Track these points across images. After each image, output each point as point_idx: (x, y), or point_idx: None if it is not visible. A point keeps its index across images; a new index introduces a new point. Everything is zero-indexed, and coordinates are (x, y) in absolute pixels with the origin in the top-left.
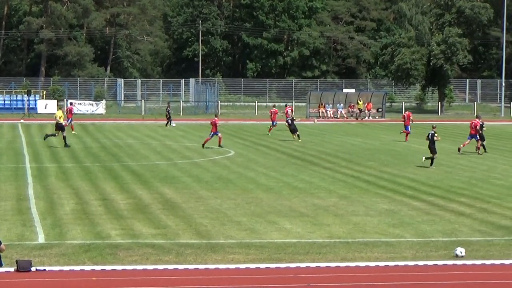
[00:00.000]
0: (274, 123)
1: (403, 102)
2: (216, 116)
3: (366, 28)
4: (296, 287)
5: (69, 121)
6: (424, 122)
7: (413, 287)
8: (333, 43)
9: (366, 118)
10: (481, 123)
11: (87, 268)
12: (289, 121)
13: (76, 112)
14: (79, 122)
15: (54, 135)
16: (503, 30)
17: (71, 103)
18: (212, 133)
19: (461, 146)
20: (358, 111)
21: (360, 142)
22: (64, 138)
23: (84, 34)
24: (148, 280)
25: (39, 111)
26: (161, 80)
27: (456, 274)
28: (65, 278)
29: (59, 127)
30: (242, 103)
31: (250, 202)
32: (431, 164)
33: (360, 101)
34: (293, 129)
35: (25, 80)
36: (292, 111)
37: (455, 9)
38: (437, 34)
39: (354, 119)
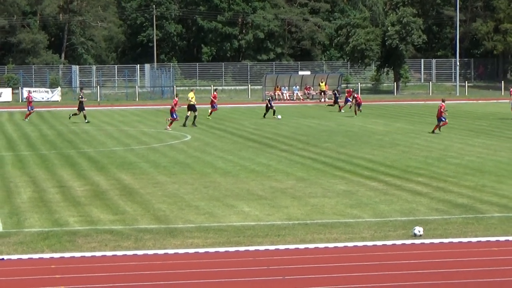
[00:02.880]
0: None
1: (359, 83)
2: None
3: (321, 9)
4: (255, 270)
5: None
6: (380, 103)
7: (372, 267)
8: (288, 26)
9: (322, 100)
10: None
11: (46, 256)
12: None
13: (31, 100)
14: (35, 109)
15: (188, 117)
16: (456, 9)
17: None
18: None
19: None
20: (320, 93)
21: (316, 124)
22: (195, 117)
23: (38, 21)
24: (107, 266)
25: None
26: (116, 66)
27: (414, 253)
28: (23, 267)
29: (191, 108)
30: (197, 87)
31: (208, 186)
32: None
33: (322, 82)
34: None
35: None
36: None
37: None
38: (391, 14)
39: (317, 100)
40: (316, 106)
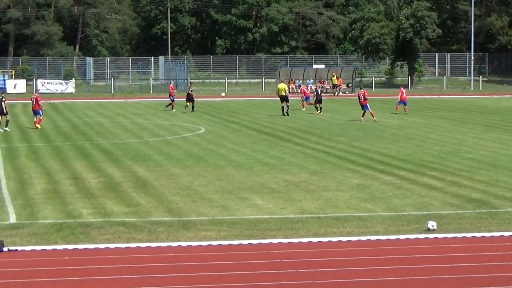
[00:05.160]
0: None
1: (373, 77)
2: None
3: (335, 3)
4: (269, 263)
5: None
6: (394, 97)
7: (386, 261)
8: (302, 19)
9: (336, 93)
10: None
11: (59, 247)
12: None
13: (45, 91)
14: (48, 101)
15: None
16: (471, 3)
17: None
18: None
19: None
20: (332, 87)
21: (330, 118)
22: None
23: (52, 13)
24: (121, 258)
25: (8, 91)
26: (130, 58)
27: (427, 247)
28: (37, 258)
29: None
30: (212, 80)
31: (222, 178)
32: None
33: (334, 76)
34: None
35: None
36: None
37: None
38: (405, 8)
39: (332, 94)
40: (330, 100)
